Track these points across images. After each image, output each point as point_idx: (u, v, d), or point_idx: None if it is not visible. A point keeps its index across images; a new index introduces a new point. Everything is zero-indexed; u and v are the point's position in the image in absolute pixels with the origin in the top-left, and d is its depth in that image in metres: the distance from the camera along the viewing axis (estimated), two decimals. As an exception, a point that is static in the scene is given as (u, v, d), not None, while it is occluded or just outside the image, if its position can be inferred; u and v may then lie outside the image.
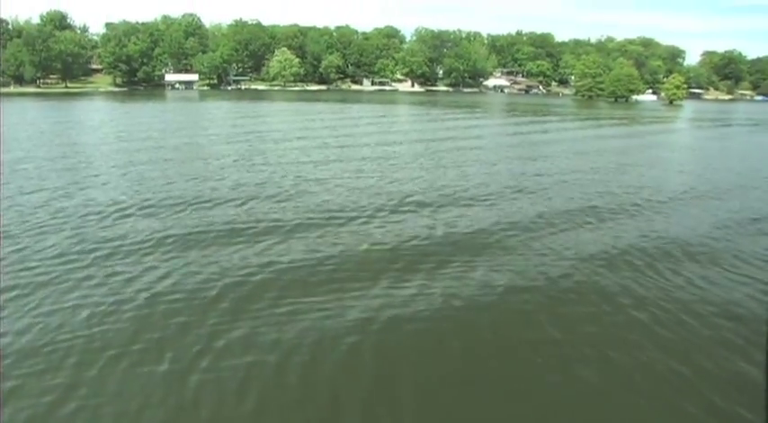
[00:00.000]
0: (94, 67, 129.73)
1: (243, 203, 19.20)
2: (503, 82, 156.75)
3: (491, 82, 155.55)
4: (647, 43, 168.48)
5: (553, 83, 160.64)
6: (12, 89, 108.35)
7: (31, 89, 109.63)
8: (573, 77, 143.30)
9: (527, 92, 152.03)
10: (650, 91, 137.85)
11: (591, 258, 14.02)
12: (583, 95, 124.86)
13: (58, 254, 13.67)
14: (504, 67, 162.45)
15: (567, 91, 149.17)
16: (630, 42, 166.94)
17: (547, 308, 11.12)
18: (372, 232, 15.97)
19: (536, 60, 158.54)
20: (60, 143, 35.43)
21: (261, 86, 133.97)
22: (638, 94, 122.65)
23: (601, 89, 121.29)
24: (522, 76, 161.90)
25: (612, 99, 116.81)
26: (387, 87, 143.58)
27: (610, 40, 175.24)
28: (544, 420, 7.78)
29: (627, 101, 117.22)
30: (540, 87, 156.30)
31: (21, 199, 19.36)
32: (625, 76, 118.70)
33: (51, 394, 7.79)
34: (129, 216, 17.49)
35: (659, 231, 16.79)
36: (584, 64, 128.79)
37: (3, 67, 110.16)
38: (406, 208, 18.84)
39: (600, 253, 14.45)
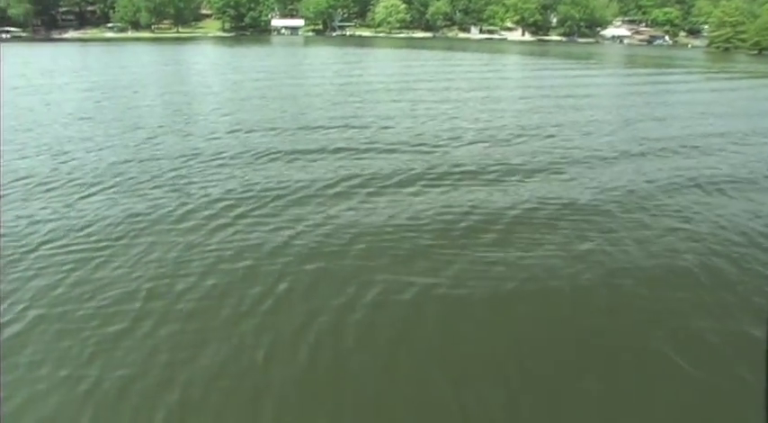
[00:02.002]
0: (204, 12, 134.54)
1: (337, 149, 18.43)
2: (623, 32, 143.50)
3: (609, 32, 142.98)
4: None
5: (681, 33, 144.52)
6: (129, 34, 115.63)
7: (146, 34, 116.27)
8: (707, 26, 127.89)
9: (650, 43, 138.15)
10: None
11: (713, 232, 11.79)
12: (717, 47, 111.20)
13: (152, 187, 13.67)
14: (626, 15, 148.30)
15: (697, 42, 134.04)
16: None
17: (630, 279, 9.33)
18: (466, 184, 14.58)
19: (663, 7, 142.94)
20: (171, 84, 36.70)
21: (366, 33, 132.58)
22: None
23: (742, 40, 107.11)
24: (646, 26, 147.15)
25: (755, 51, 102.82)
26: (495, 36, 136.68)
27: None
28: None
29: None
30: (666, 38, 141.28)
31: (128, 135, 19.88)
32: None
33: (113, 336, 7.45)
34: (225, 154, 17.34)
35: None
36: (723, 11, 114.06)
37: (121, 14, 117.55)
38: (499, 165, 17.06)
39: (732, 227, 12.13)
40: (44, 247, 9.87)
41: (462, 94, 31.73)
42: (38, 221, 11.12)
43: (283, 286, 8.59)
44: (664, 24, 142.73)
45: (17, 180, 13.93)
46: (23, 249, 9.79)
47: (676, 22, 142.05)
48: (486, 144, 18.76)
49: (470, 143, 18.89)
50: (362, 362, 6.91)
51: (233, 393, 6.30)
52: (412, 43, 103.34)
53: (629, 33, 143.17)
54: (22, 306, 7.92)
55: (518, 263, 9.53)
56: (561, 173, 15.40)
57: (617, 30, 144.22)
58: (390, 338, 7.41)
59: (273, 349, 7.09)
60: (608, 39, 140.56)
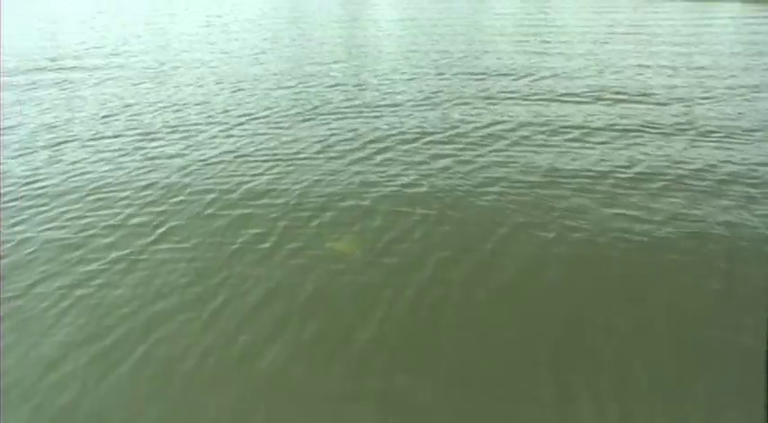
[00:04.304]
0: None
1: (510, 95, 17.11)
2: None
3: None
4: None
5: None
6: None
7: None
8: None
9: None
10: None
11: None
12: None
13: (306, 119, 13.94)
14: None
15: None
16: None
17: None
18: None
19: None
20: (345, 23, 37.64)
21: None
22: None
23: None
24: None
25: None
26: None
27: None
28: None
29: None
30: None
31: (298, 70, 20.64)
32: None
33: (240, 251, 7.40)
34: (395, 95, 17.10)
35: None
36: None
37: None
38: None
39: None
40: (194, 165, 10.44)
41: (669, 58, 27.59)
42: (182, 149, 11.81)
43: (407, 220, 7.92)
44: None
45: (198, 114, 15.07)
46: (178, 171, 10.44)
47: None
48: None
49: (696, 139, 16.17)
50: (466, 318, 5.93)
51: (328, 327, 5.80)
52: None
53: None
54: (164, 219, 8.27)
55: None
56: None
57: None
58: (502, 292, 6.30)
59: (379, 289, 6.47)
60: None
